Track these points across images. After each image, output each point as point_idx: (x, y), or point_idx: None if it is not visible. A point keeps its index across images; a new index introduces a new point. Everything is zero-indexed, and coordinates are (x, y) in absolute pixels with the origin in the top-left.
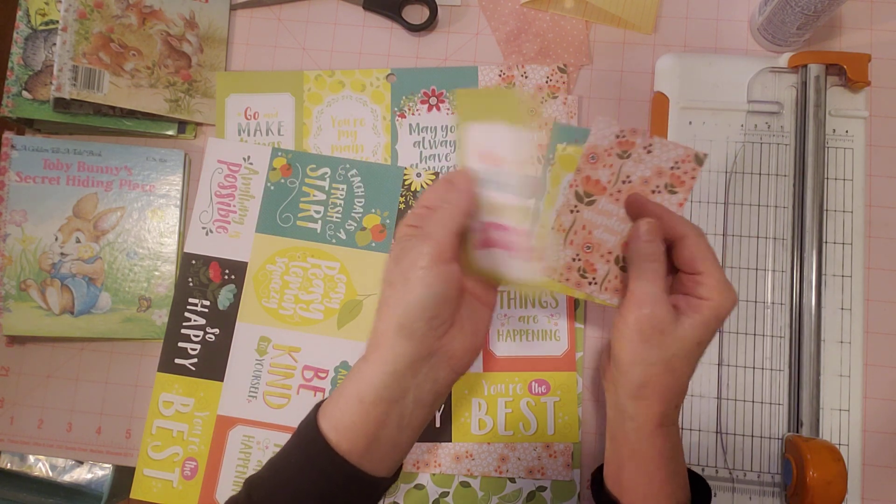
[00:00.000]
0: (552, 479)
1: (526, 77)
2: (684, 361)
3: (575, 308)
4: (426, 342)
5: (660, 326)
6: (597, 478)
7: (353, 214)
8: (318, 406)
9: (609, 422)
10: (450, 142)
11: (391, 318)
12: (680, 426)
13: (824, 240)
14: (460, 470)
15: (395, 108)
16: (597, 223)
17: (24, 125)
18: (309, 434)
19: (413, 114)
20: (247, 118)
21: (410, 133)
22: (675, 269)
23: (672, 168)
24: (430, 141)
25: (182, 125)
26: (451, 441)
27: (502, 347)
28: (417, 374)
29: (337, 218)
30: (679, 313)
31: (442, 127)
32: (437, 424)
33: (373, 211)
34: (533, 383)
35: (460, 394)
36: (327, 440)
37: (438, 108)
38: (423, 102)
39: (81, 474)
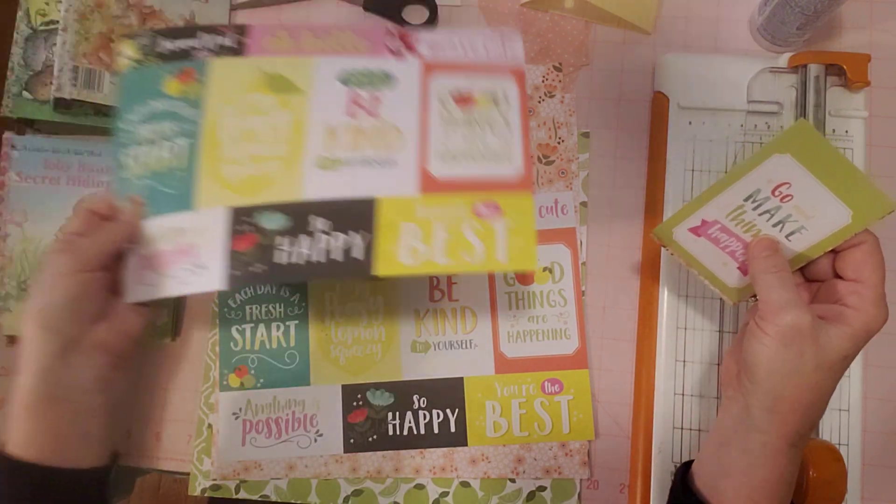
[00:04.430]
0: (568, 477)
1: None
2: (827, 375)
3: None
4: (70, 334)
5: (803, 332)
6: (683, 471)
7: None
8: None
9: (724, 428)
10: None
11: (36, 319)
12: (679, 426)
13: None
14: (477, 473)
15: None
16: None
17: (24, 125)
18: None
19: None
20: None
21: None
22: (818, 280)
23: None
24: None
25: None
26: (466, 445)
27: (513, 349)
28: (70, 364)
29: None
30: (825, 322)
31: None
32: (453, 429)
33: None
34: (546, 383)
35: (474, 397)
36: (10, 456)
37: None
38: None
39: None
